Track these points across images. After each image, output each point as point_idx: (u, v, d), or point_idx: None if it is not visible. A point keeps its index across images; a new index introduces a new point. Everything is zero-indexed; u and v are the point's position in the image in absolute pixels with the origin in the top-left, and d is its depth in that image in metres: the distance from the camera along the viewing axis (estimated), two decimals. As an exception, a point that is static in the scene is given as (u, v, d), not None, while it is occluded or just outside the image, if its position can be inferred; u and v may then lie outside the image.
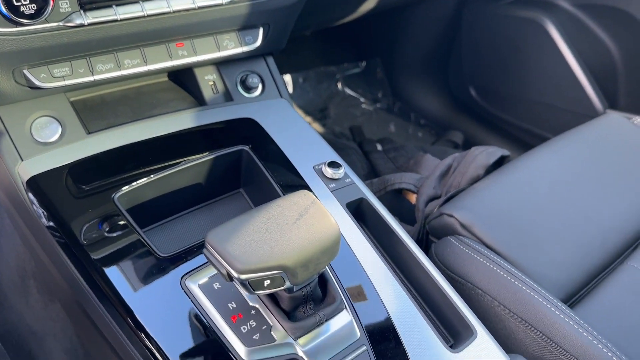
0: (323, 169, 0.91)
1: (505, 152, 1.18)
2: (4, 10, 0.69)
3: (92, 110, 0.94)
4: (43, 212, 0.81)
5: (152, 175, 0.85)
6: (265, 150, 0.94)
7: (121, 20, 0.77)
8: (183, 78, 1.03)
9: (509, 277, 0.84)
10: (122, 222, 0.80)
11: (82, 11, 0.74)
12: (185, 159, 0.89)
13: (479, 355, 0.73)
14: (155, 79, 1.03)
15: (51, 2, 0.71)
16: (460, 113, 2.00)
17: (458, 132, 1.92)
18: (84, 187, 0.84)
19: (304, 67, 2.05)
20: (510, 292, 0.82)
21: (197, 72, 1.00)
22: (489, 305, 0.84)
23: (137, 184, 0.83)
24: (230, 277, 0.61)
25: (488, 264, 0.87)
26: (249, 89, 1.03)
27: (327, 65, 2.10)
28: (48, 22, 0.73)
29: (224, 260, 0.61)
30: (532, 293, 0.81)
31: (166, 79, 1.05)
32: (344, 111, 2.06)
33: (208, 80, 1.01)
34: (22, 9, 0.70)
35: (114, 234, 0.78)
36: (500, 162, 1.18)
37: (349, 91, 2.13)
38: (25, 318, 1.23)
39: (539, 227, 0.98)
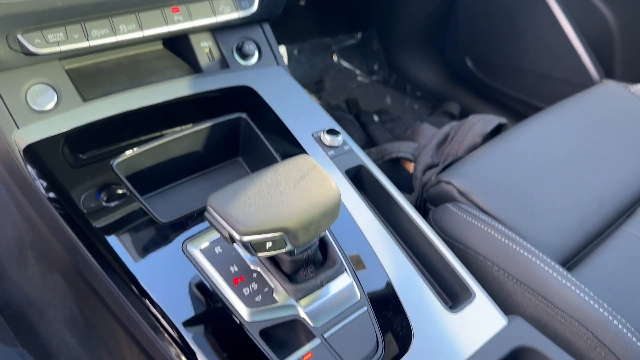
0: (322, 136, 0.91)
1: (503, 120, 1.18)
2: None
3: (88, 78, 0.93)
4: (41, 181, 0.81)
5: (150, 143, 0.84)
6: (263, 118, 0.94)
7: (116, -18, 0.76)
8: (178, 45, 1.01)
9: (506, 241, 0.85)
10: (120, 191, 0.79)
11: (74, -27, 0.73)
12: (183, 126, 0.89)
13: (477, 316, 0.75)
14: (150, 47, 1.02)
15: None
16: (457, 85, 1.99)
17: (454, 104, 1.91)
18: (82, 155, 0.83)
19: (298, 39, 2.02)
20: (508, 256, 0.83)
21: (193, 39, 0.99)
22: (486, 268, 0.85)
23: (136, 151, 0.83)
24: (232, 239, 0.62)
25: (486, 228, 0.88)
26: (245, 56, 1.02)
27: (322, 37, 2.08)
28: None
29: (226, 223, 0.61)
30: (529, 256, 0.82)
31: (161, 46, 1.03)
32: (339, 84, 2.05)
33: (204, 47, 0.99)
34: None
35: (113, 202, 0.78)
36: (497, 131, 1.18)
37: (344, 63, 2.12)
38: (23, 289, 1.23)
39: (536, 193, 0.98)
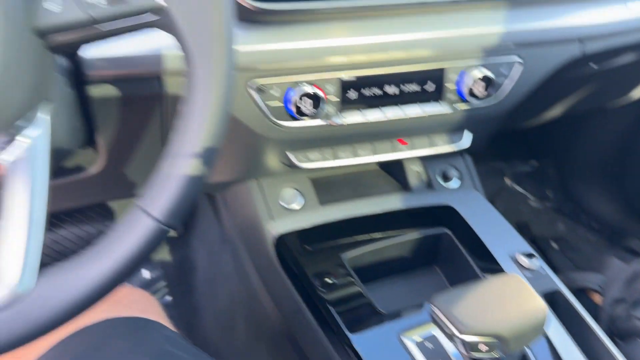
0: (518, 258, 1.02)
1: (701, 265, 1.16)
2: (292, 111, 0.94)
3: (322, 187, 1.17)
4: (284, 260, 1.03)
5: (370, 243, 1.03)
6: (462, 234, 1.08)
7: (368, 122, 0.99)
8: (392, 167, 1.23)
9: None
10: (342, 279, 0.98)
11: (340, 114, 0.98)
12: (394, 233, 1.07)
13: None
14: (368, 167, 1.24)
15: (323, 107, 0.94)
16: (639, 221, 1.94)
17: (638, 241, 1.86)
18: (316, 246, 1.05)
19: (474, 162, 2.17)
20: None
21: (405, 163, 1.20)
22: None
23: (361, 249, 1.02)
24: (451, 337, 0.74)
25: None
26: (448, 179, 1.20)
27: (495, 161, 2.21)
28: (317, 120, 0.97)
29: (449, 322, 0.74)
30: None
31: (377, 167, 1.26)
32: (510, 207, 2.12)
33: (414, 171, 1.19)
34: (303, 109, 0.94)
35: (338, 287, 0.96)
36: (694, 274, 1.17)
37: (517, 187, 2.20)
38: (226, 357, 1.44)
39: None
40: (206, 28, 0.56)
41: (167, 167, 0.56)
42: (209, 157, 0.57)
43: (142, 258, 0.55)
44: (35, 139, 0.56)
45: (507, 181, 2.20)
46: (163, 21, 0.56)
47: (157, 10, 0.56)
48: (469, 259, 1.01)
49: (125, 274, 0.55)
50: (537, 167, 2.21)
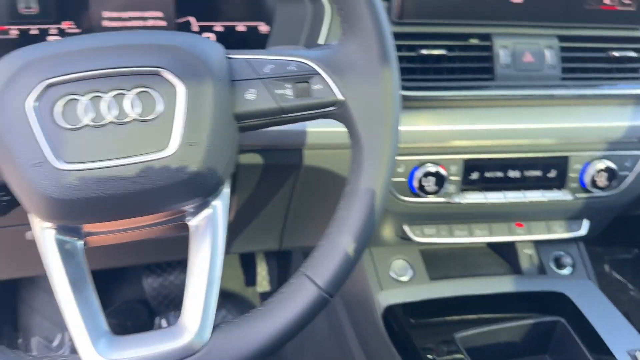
0: (638, 356, 0.98)
1: None
2: (415, 188, 0.98)
3: (431, 261, 1.19)
4: (393, 331, 1.05)
5: (482, 325, 1.03)
6: (577, 324, 1.05)
7: (487, 203, 1.02)
8: (502, 247, 1.23)
9: None
10: (452, 357, 0.98)
11: (461, 193, 1.01)
12: (506, 316, 1.06)
13: None
14: (478, 244, 1.25)
15: (445, 185, 0.98)
16: None
17: None
18: (424, 320, 1.06)
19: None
20: None
21: (518, 245, 1.20)
22: None
23: (472, 330, 1.02)
24: None
25: None
26: (561, 266, 1.18)
27: (594, 246, 2.12)
28: (437, 198, 1.01)
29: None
30: None
31: (485, 245, 1.26)
32: (609, 296, 2.02)
33: (526, 254, 1.19)
34: (426, 187, 0.98)
35: None
36: None
37: (616, 275, 2.09)
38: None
39: None
40: (379, 119, 0.62)
41: (332, 239, 0.62)
42: (370, 231, 0.62)
43: (305, 323, 0.60)
44: (217, 207, 0.63)
45: (606, 268, 2.10)
46: (339, 112, 0.63)
47: (336, 103, 0.63)
48: (585, 351, 0.98)
49: (287, 337, 0.60)
50: (638, 254, 2.10)
